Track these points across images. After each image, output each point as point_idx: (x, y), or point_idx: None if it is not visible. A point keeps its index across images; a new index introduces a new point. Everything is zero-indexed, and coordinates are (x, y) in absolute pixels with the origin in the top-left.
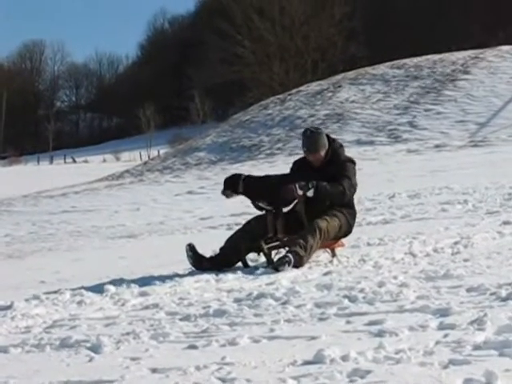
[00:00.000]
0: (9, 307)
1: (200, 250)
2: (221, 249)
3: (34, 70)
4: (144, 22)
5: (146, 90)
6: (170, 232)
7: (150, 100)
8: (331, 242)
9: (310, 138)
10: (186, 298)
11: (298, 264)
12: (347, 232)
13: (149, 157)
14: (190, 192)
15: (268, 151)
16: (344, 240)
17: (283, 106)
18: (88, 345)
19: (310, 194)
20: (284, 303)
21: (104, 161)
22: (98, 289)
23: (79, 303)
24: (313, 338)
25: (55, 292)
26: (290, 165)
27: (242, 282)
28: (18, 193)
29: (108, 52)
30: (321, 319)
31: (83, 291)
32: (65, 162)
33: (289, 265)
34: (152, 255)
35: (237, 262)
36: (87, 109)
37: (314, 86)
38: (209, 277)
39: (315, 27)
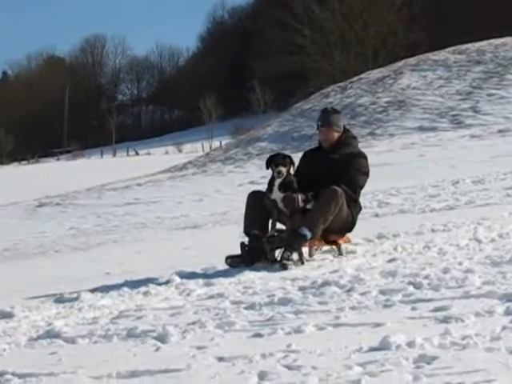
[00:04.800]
0: (76, 299)
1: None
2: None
3: (95, 64)
4: (204, 14)
5: (207, 81)
6: (234, 222)
7: (210, 91)
8: (337, 238)
9: (328, 113)
10: (250, 286)
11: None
12: (352, 224)
13: (211, 148)
14: (252, 182)
15: None
16: (349, 235)
17: (344, 94)
18: (154, 334)
19: (310, 206)
20: (349, 291)
21: (166, 153)
22: (163, 279)
23: (145, 294)
24: (378, 324)
25: (121, 283)
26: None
27: (305, 271)
28: (83, 186)
29: (168, 44)
30: (386, 306)
31: (148, 282)
32: (127, 155)
33: (289, 257)
34: (216, 245)
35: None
36: (149, 101)
37: (375, 74)
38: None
39: (375, 15)
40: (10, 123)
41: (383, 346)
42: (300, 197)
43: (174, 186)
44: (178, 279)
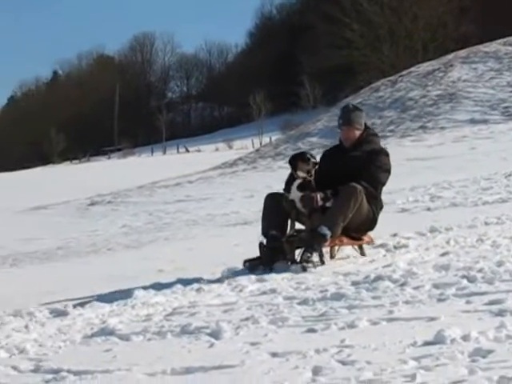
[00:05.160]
0: (129, 296)
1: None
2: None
3: (144, 62)
4: (252, 10)
5: (256, 77)
6: None
7: (260, 87)
8: (358, 239)
9: (349, 111)
10: (303, 282)
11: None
12: (373, 222)
13: (261, 144)
14: None
15: (380, 134)
16: (371, 234)
17: (394, 87)
18: (208, 331)
19: (329, 204)
20: (402, 285)
21: (217, 149)
22: (216, 276)
23: (197, 290)
24: (432, 318)
25: (173, 280)
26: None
27: (358, 265)
28: (134, 184)
29: (217, 41)
30: (440, 300)
31: (200, 279)
32: (178, 152)
33: (309, 259)
34: None
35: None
36: (198, 98)
37: (425, 67)
38: (324, 261)
39: (425, 7)
40: (62, 122)
41: (438, 339)
42: (319, 195)
43: (225, 182)
44: (230, 275)
